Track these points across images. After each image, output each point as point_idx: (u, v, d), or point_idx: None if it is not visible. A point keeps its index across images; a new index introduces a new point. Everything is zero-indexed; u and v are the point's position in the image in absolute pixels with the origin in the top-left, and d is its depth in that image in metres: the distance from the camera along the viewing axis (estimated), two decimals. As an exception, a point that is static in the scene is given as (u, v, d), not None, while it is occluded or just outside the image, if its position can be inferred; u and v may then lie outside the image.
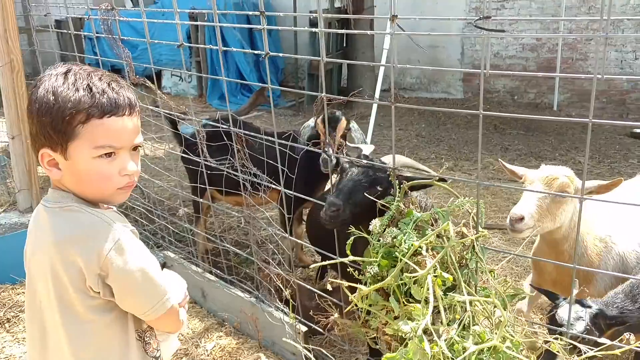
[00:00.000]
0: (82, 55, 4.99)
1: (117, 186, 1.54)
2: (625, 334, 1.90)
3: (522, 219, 2.44)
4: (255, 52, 2.87)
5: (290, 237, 3.59)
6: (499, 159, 2.80)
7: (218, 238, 3.88)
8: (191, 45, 4.20)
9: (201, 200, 4.04)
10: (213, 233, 4.52)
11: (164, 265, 4.27)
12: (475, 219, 2.17)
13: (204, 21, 9.86)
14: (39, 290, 1.55)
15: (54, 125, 1.45)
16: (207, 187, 3.59)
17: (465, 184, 5.68)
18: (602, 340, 1.96)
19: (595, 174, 6.39)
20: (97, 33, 3.98)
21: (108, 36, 3.73)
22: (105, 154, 1.49)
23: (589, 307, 2.19)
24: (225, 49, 2.95)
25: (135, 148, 1.57)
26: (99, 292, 1.49)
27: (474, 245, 2.12)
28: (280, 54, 2.79)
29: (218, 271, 3.86)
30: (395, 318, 2.04)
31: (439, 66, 10.38)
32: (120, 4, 12.00)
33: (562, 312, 2.17)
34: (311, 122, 3.89)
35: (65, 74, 1.49)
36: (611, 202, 2.55)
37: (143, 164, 4.68)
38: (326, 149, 3.53)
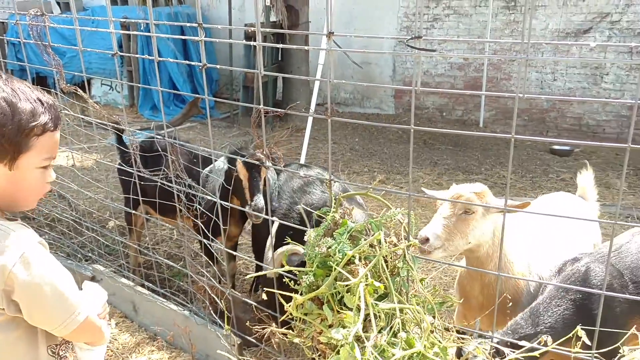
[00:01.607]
0: (5, 61, 4.80)
1: (43, 194, 1.59)
2: (542, 336, 2.01)
3: (427, 240, 2.47)
4: (192, 63, 2.87)
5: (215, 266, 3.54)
6: (423, 189, 2.87)
7: (150, 250, 3.83)
8: (125, 54, 4.12)
9: (134, 212, 3.97)
10: (145, 245, 4.44)
11: (92, 279, 4.15)
12: (407, 229, 2.25)
13: (136, 30, 9.70)
14: None
15: (9, 136, 1.44)
16: (141, 198, 3.53)
17: (397, 196, 5.84)
18: (522, 343, 2.06)
19: (517, 188, 6.72)
20: (24, 39, 3.86)
21: (37, 42, 3.61)
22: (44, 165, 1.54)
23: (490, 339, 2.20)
24: (161, 59, 2.93)
25: None
26: (3, 309, 1.44)
27: (405, 255, 2.21)
28: (217, 66, 2.80)
29: (150, 284, 3.79)
30: (330, 326, 2.09)
31: (371, 82, 10.64)
32: (47, 10, 11.59)
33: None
34: (220, 164, 3.47)
35: (5, 82, 1.48)
36: (544, 214, 2.67)
37: (72, 175, 4.55)
38: (256, 197, 3.26)
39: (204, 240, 3.21)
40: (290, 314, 2.20)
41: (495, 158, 8.15)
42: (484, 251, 2.65)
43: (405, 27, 10.53)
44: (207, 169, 3.28)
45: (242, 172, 3.36)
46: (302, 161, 6.51)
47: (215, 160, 3.52)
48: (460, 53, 9.93)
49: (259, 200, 3.23)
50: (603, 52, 8.85)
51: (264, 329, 2.76)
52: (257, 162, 3.08)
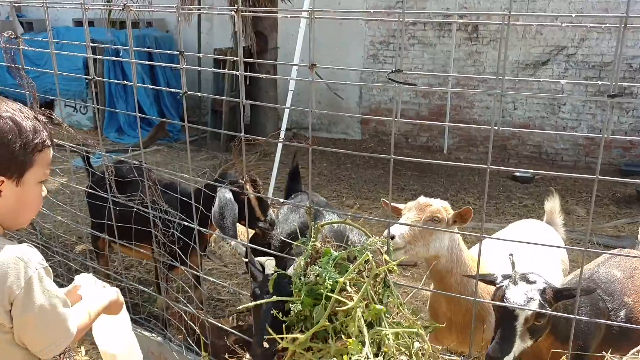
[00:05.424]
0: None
1: (38, 209, 1.69)
2: None
3: (392, 238, 2.55)
4: (173, 90, 2.91)
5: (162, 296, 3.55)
6: (382, 199, 2.95)
7: (122, 276, 3.78)
8: (100, 79, 4.11)
9: (102, 235, 3.92)
10: (115, 270, 4.38)
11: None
12: (386, 256, 2.32)
13: (102, 53, 9.61)
14: None
15: (18, 153, 1.52)
16: (113, 228, 3.50)
17: (366, 221, 5.92)
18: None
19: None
20: None
21: (10, 65, 3.59)
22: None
23: (534, 282, 2.24)
24: (140, 85, 2.95)
25: None
26: (11, 327, 1.51)
27: (385, 281, 2.26)
28: (199, 93, 2.84)
29: (121, 310, 3.73)
30: (320, 358, 2.09)
31: (338, 108, 10.73)
32: (10, 29, 11.39)
33: (511, 295, 2.20)
34: (227, 194, 3.35)
35: (5, 103, 1.56)
36: (508, 240, 2.76)
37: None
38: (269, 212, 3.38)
39: (182, 267, 3.20)
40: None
41: (460, 184, 8.35)
42: (442, 264, 2.75)
43: (372, 55, 10.75)
44: (216, 204, 3.26)
45: (252, 195, 3.42)
46: (272, 186, 6.54)
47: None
48: (426, 82, 10.19)
49: (272, 214, 3.43)
50: (560, 83, 9.22)
51: (241, 358, 2.76)
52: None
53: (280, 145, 6.72)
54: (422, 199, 2.78)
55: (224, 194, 3.32)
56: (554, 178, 8.58)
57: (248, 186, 3.34)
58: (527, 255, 3.04)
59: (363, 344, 1.88)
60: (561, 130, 9.47)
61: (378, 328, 2.00)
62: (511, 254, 2.40)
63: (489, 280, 2.38)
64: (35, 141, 1.55)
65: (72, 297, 1.81)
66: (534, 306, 2.16)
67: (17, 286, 1.46)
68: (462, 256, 2.78)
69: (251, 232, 3.49)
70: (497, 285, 2.31)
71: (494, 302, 2.29)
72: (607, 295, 2.61)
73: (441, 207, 2.73)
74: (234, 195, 3.35)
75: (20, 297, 1.47)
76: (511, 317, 2.18)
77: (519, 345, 2.18)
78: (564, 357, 2.13)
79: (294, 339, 2.02)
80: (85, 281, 1.89)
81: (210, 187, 3.35)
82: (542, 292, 2.20)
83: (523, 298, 2.18)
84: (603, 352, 2.21)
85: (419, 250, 2.65)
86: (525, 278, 2.26)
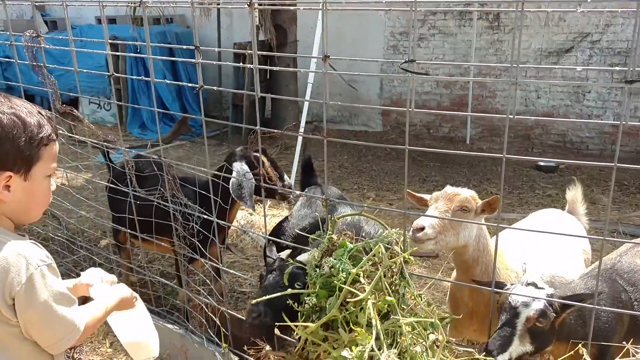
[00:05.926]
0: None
1: (48, 204, 1.71)
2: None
3: (422, 228, 2.53)
4: (190, 84, 2.93)
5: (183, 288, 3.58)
6: (407, 190, 2.92)
7: (145, 269, 3.84)
8: (120, 75, 4.17)
9: (123, 228, 3.98)
10: (139, 263, 4.45)
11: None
12: (403, 246, 2.31)
13: (124, 50, 9.71)
14: None
15: (23, 148, 1.54)
16: (134, 223, 3.55)
17: (387, 213, 5.90)
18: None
19: (505, 204, 6.81)
20: (8, 58, 3.91)
21: (32, 64, 3.66)
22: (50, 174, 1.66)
23: (542, 288, 2.29)
24: (157, 80, 2.98)
25: None
26: (17, 321, 1.53)
27: (401, 271, 2.26)
28: (214, 87, 2.86)
29: (145, 303, 3.78)
30: (335, 348, 2.11)
31: (358, 100, 10.70)
32: (32, 28, 11.58)
33: (517, 291, 2.27)
34: (244, 167, 3.46)
35: (8, 99, 1.58)
36: (528, 230, 2.75)
37: (62, 193, 4.56)
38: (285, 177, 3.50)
39: (202, 260, 3.24)
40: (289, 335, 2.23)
41: (483, 175, 8.26)
42: (470, 254, 2.73)
43: (392, 46, 10.68)
44: (234, 178, 3.30)
45: (267, 163, 3.49)
46: (293, 178, 6.56)
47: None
48: (447, 72, 10.09)
49: (288, 179, 3.55)
50: (585, 71, 9.03)
51: (260, 350, 2.78)
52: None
53: (300, 138, 6.73)
54: (449, 189, 2.75)
55: (240, 166, 3.40)
56: (579, 167, 8.42)
57: (259, 155, 3.40)
58: (547, 246, 3.01)
59: (373, 335, 1.89)
60: (586, 119, 9.28)
61: (395, 317, 1.99)
62: (524, 263, 2.41)
63: (501, 286, 2.40)
64: (40, 135, 1.57)
65: (77, 292, 1.84)
66: (539, 305, 2.21)
67: (18, 282, 1.48)
68: (488, 245, 2.76)
69: (269, 225, 3.52)
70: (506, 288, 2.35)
71: (513, 293, 2.28)
72: (630, 285, 2.57)
73: (469, 196, 2.71)
74: (250, 167, 3.43)
75: (22, 293, 1.49)
76: (513, 315, 2.23)
77: (516, 347, 2.21)
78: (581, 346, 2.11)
79: (306, 327, 2.04)
80: (92, 277, 1.89)
81: (224, 179, 3.37)
82: (550, 296, 2.25)
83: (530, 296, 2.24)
84: (624, 343, 2.18)
85: (449, 240, 2.61)
86: (534, 284, 2.32)
